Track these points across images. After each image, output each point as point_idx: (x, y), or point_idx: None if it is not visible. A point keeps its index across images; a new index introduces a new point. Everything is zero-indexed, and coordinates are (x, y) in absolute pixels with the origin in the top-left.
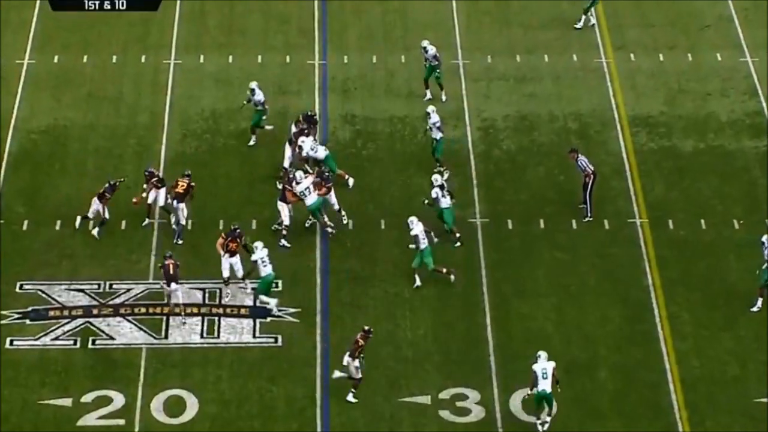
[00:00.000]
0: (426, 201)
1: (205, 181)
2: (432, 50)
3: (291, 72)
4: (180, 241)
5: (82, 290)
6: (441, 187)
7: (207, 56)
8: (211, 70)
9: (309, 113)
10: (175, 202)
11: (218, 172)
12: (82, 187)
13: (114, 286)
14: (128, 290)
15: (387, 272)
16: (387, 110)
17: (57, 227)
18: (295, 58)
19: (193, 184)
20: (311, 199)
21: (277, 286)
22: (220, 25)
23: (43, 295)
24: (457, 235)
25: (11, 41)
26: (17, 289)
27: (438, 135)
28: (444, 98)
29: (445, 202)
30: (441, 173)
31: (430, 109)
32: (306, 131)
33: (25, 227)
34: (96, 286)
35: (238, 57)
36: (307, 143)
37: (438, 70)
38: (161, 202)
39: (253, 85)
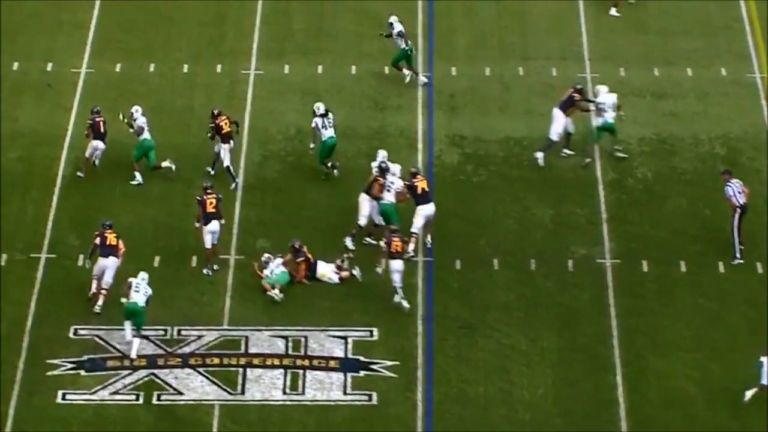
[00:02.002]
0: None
1: (286, 210)
2: (398, 27)
3: (389, 84)
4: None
5: (145, 336)
6: (323, 115)
7: (292, 65)
8: (297, 80)
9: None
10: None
11: (303, 200)
12: (145, 216)
13: (182, 333)
14: (199, 337)
15: (500, 320)
16: (501, 130)
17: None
18: (395, 69)
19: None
20: (389, 197)
21: (371, 335)
22: (307, 28)
23: (101, 342)
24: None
25: (65, 46)
26: (71, 335)
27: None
28: (408, 79)
29: (327, 133)
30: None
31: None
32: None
33: (80, 262)
34: (162, 332)
35: (328, 66)
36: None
37: (409, 51)
38: (215, 227)
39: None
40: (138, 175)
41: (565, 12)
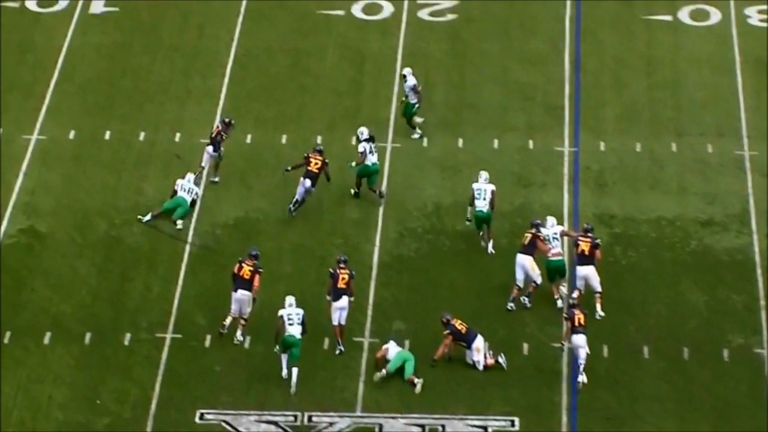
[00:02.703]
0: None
1: (424, 290)
2: (412, 81)
3: (534, 159)
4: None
5: (274, 422)
6: (368, 140)
7: (431, 137)
8: (436, 154)
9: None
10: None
11: (442, 280)
12: (276, 294)
13: (313, 419)
14: (330, 424)
15: (650, 411)
16: (653, 210)
17: (246, 344)
18: (540, 143)
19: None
20: (556, 251)
21: (513, 425)
22: (447, 99)
23: (228, 428)
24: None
25: (194, 115)
26: (197, 419)
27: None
28: (417, 135)
29: (372, 159)
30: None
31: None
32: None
33: (207, 343)
34: (291, 418)
35: (469, 139)
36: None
37: (416, 107)
38: (344, 304)
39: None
40: None
41: (723, 85)
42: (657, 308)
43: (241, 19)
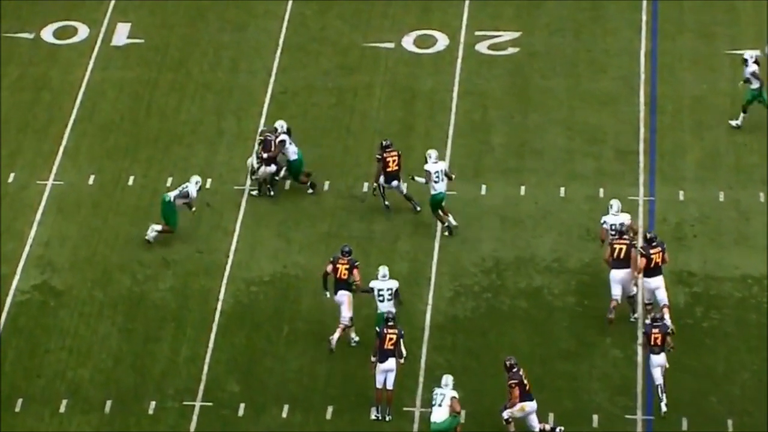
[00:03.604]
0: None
1: (481, 356)
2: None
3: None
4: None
5: None
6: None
7: (489, 184)
8: (495, 203)
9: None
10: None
11: (501, 344)
12: (317, 359)
13: None
14: None
15: None
16: (738, 267)
17: (284, 413)
18: (611, 191)
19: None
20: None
21: None
22: (508, 142)
23: None
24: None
25: (226, 159)
26: None
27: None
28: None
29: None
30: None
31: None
32: None
33: (240, 412)
34: None
35: (532, 187)
36: None
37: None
38: (391, 366)
39: None
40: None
41: None
42: (742, 377)
43: (279, 53)
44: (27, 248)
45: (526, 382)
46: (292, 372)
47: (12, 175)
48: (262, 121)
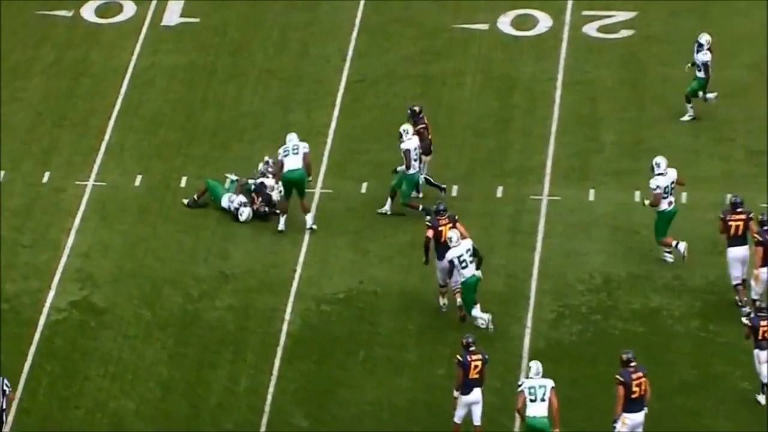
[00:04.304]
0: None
1: (589, 387)
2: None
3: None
4: None
5: None
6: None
7: (599, 189)
8: (606, 210)
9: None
10: None
11: (612, 374)
12: (398, 389)
13: None
14: None
15: None
16: None
17: None
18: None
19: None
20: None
21: None
22: (619, 139)
23: None
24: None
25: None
26: None
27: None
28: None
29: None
30: None
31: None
32: None
33: None
34: None
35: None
36: None
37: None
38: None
39: None
40: None
41: None
42: None
43: (355, 35)
44: (63, 259)
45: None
46: (369, 404)
47: (47, 174)
48: (336, 113)
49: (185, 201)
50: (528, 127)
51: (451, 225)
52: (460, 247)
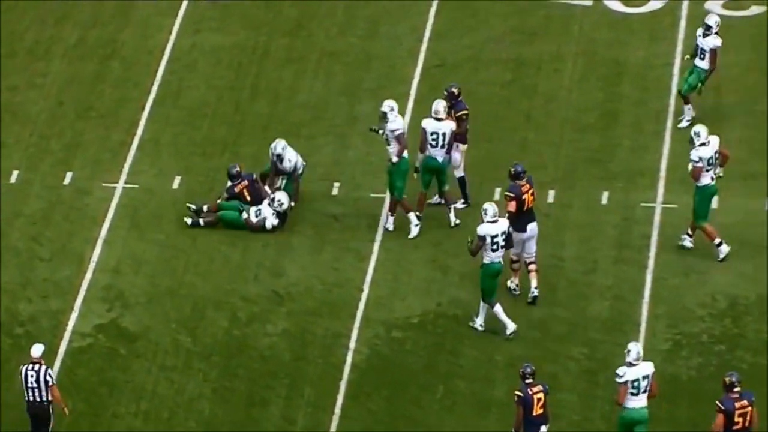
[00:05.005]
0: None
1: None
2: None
3: None
4: None
5: None
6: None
7: (723, 194)
8: (731, 220)
9: None
10: None
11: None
12: (485, 429)
13: None
14: None
15: None
16: None
17: None
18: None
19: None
20: None
21: None
22: (749, 138)
23: None
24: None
25: (360, 155)
26: None
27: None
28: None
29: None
30: None
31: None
32: None
33: None
34: None
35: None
36: None
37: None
38: None
39: None
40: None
41: None
42: None
43: (433, 11)
44: (88, 276)
45: None
46: None
47: (69, 175)
48: (410, 104)
49: (188, 221)
50: (639, 120)
51: (531, 190)
52: (498, 226)
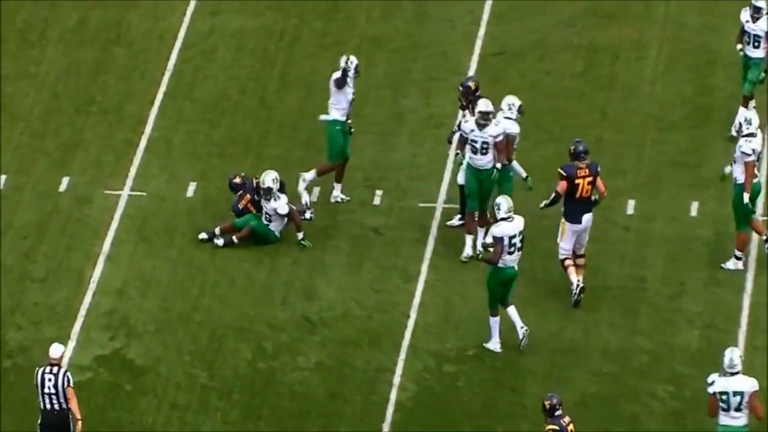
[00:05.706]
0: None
1: None
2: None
3: None
4: None
5: None
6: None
7: None
8: None
9: None
10: None
11: None
12: None
13: None
14: None
15: None
16: None
17: None
18: None
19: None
20: None
21: None
22: None
23: None
24: None
25: (405, 156)
26: None
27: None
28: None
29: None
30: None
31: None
32: None
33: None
34: None
35: None
36: None
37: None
38: None
39: None
40: None
41: None
42: None
43: None
44: (88, 298)
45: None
46: None
47: (65, 180)
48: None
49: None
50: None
51: (591, 178)
52: (514, 225)
